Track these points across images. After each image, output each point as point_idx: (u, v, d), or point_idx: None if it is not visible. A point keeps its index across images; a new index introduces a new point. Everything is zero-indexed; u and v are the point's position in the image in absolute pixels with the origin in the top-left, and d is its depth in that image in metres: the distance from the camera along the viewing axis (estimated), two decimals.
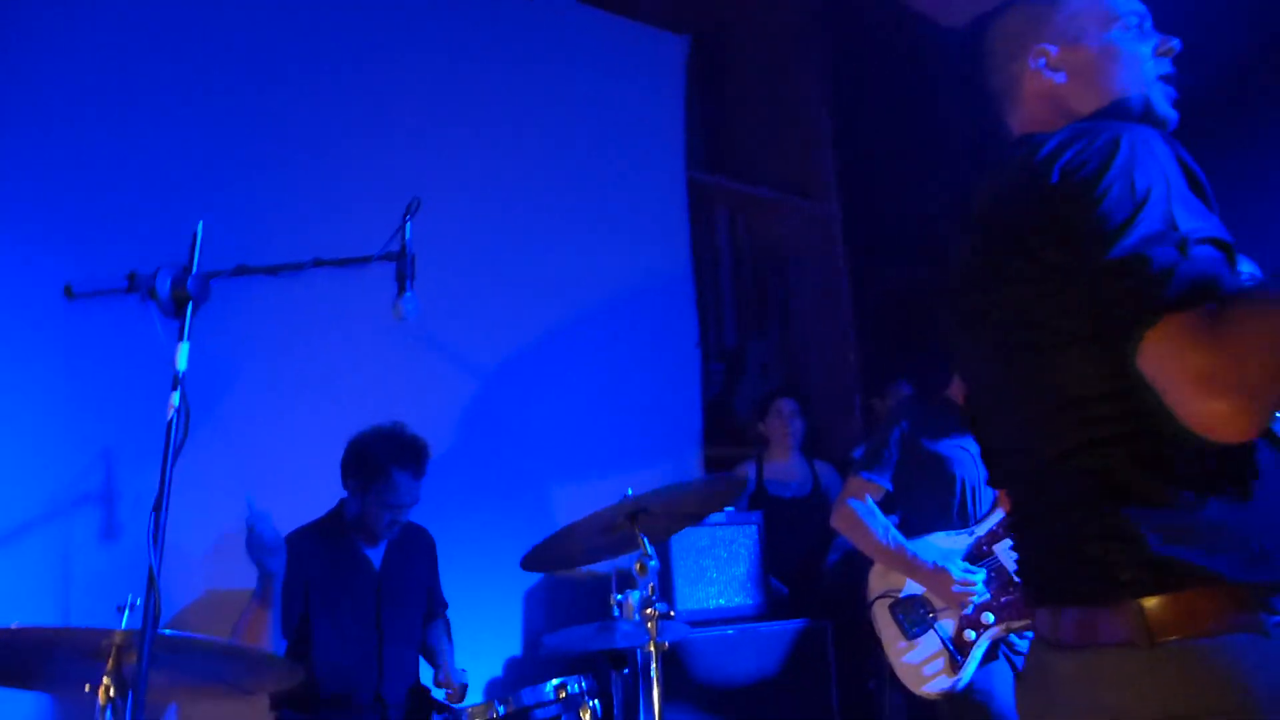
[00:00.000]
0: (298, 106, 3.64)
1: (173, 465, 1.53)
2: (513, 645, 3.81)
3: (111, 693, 1.74)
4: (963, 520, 2.76)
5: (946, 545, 2.71)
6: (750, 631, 3.61)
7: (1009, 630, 2.58)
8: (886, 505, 2.84)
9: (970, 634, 2.60)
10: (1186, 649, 1.08)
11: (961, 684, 2.57)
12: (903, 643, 2.69)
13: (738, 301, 5.30)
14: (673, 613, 2.48)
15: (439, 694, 2.92)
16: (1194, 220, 1.09)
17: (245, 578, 2.62)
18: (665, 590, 3.60)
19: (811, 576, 4.07)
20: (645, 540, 2.32)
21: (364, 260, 1.93)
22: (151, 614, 1.46)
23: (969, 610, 2.62)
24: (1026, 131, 1.40)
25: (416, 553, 3.03)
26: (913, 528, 2.78)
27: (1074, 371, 1.17)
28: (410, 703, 2.86)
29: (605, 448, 4.11)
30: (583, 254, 4.29)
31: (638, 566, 2.28)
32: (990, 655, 2.59)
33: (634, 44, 4.77)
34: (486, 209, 4.01)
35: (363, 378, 3.51)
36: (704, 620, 3.59)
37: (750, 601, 3.76)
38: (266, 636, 2.54)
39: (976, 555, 2.69)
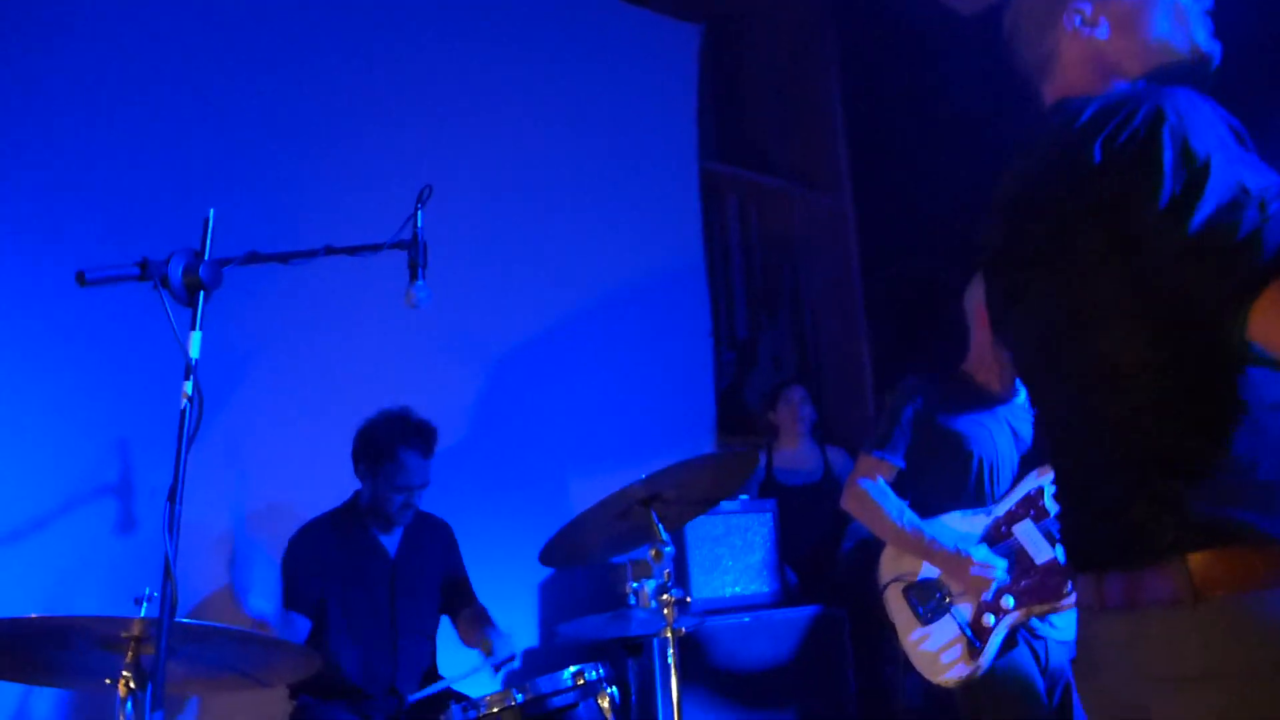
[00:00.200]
0: (309, 95, 3.64)
1: (187, 454, 1.53)
2: (529, 636, 3.81)
3: (131, 685, 1.74)
4: (979, 500, 2.62)
5: (963, 526, 2.59)
6: (766, 619, 3.60)
7: (1030, 615, 2.48)
8: (898, 486, 2.70)
9: (989, 619, 2.48)
10: (1232, 604, 1.08)
11: (981, 672, 2.47)
12: (918, 629, 2.57)
13: (749, 291, 5.28)
14: (689, 599, 2.47)
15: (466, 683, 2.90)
16: (1261, 178, 1.08)
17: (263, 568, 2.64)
18: (680, 579, 3.59)
19: (825, 563, 4.05)
20: (660, 526, 2.31)
21: (375, 248, 1.92)
22: (169, 604, 1.46)
23: (988, 595, 2.50)
24: (1067, 96, 1.36)
25: (433, 543, 3.03)
26: (927, 508, 2.63)
27: (1118, 344, 1.18)
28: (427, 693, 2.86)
29: (619, 438, 4.10)
30: (595, 243, 4.28)
31: (653, 553, 2.28)
32: (1010, 641, 2.48)
33: (647, 33, 4.75)
34: (498, 198, 4.01)
35: (375, 366, 3.51)
36: (720, 609, 3.59)
37: (766, 589, 3.75)
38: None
39: (995, 536, 2.57)
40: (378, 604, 2.85)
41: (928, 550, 2.55)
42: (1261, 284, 1.02)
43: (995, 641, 2.47)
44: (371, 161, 3.65)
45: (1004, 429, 2.66)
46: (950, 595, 2.55)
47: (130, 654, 1.76)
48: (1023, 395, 2.66)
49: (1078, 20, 1.37)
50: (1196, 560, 1.10)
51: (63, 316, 2.92)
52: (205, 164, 3.31)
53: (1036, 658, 2.49)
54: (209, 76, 3.42)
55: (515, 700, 2.46)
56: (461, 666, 2.92)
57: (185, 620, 1.69)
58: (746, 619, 3.57)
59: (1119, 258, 1.14)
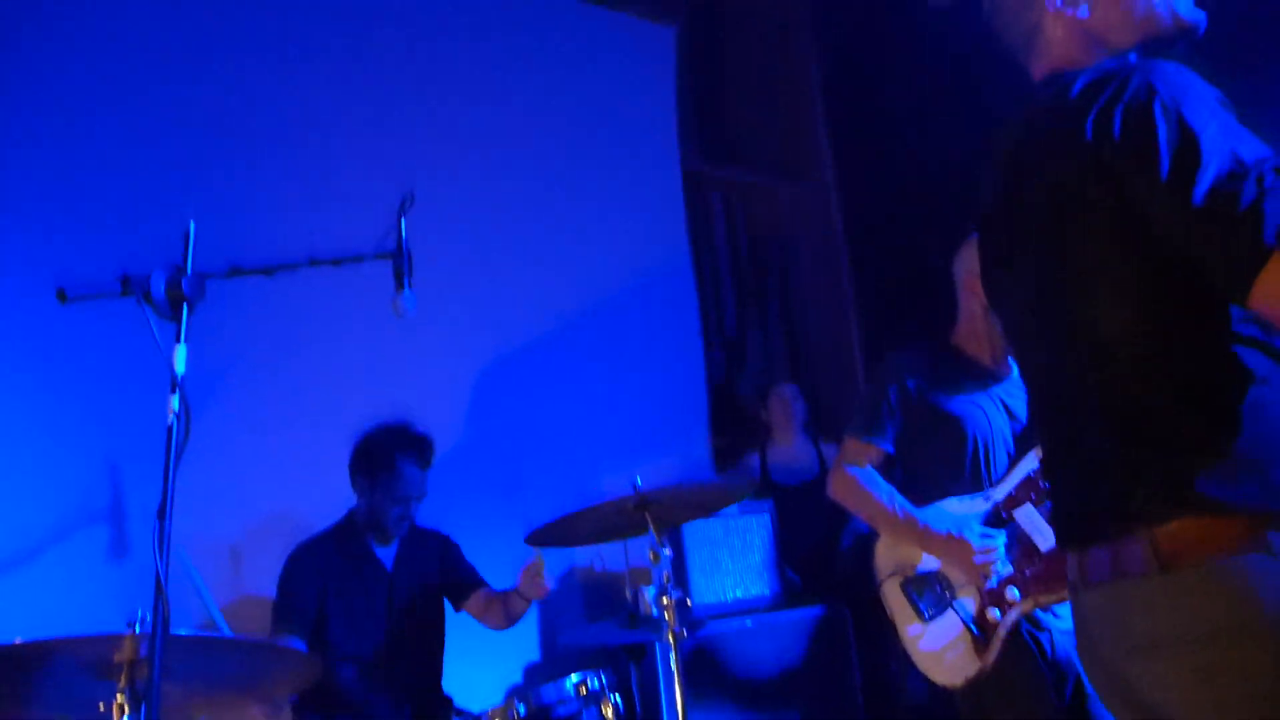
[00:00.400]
0: (288, 104, 3.63)
1: (175, 471, 1.51)
2: (530, 648, 3.78)
3: (126, 710, 1.70)
4: (976, 483, 2.42)
5: (961, 512, 2.38)
6: (769, 621, 3.59)
7: (1036, 605, 2.29)
8: (887, 472, 2.50)
9: (995, 613, 2.31)
10: (1199, 572, 1.11)
11: (987, 669, 2.28)
12: (918, 626, 2.38)
13: (737, 288, 5.28)
14: (689, 601, 2.45)
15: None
16: (1254, 149, 1.10)
17: (258, 584, 2.61)
18: (681, 584, 3.57)
19: (826, 560, 4.04)
20: (656, 530, 2.29)
21: (359, 259, 1.90)
22: (161, 621, 1.43)
23: (992, 584, 2.32)
24: (1057, 69, 1.36)
25: (429, 556, 3.01)
26: (922, 495, 2.43)
27: (1104, 312, 1.19)
28: (429, 708, 2.84)
29: (614, 442, 4.09)
30: (581, 248, 4.27)
31: (651, 555, 2.25)
32: (1015, 634, 2.30)
33: (623, 37, 4.77)
34: (482, 205, 4.00)
35: (365, 375, 3.50)
36: (722, 612, 3.56)
37: (767, 591, 3.73)
38: None
39: (995, 523, 2.38)
40: (376, 617, 2.83)
41: (923, 537, 2.37)
42: (1265, 256, 1.04)
43: (1002, 636, 2.30)
44: (352, 171, 3.64)
45: (997, 407, 2.49)
46: (951, 588, 2.38)
47: (124, 677, 1.72)
48: (1015, 371, 2.39)
49: (1059, 2, 1.37)
50: (1162, 531, 1.13)
51: (44, 333, 2.89)
52: (185, 176, 3.29)
53: (1041, 650, 2.32)
54: (187, 89, 3.40)
55: (518, 713, 2.44)
56: (470, 685, 2.89)
57: (179, 631, 1.65)
58: (749, 622, 3.55)
59: (1116, 230, 1.16)
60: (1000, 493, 2.41)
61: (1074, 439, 1.27)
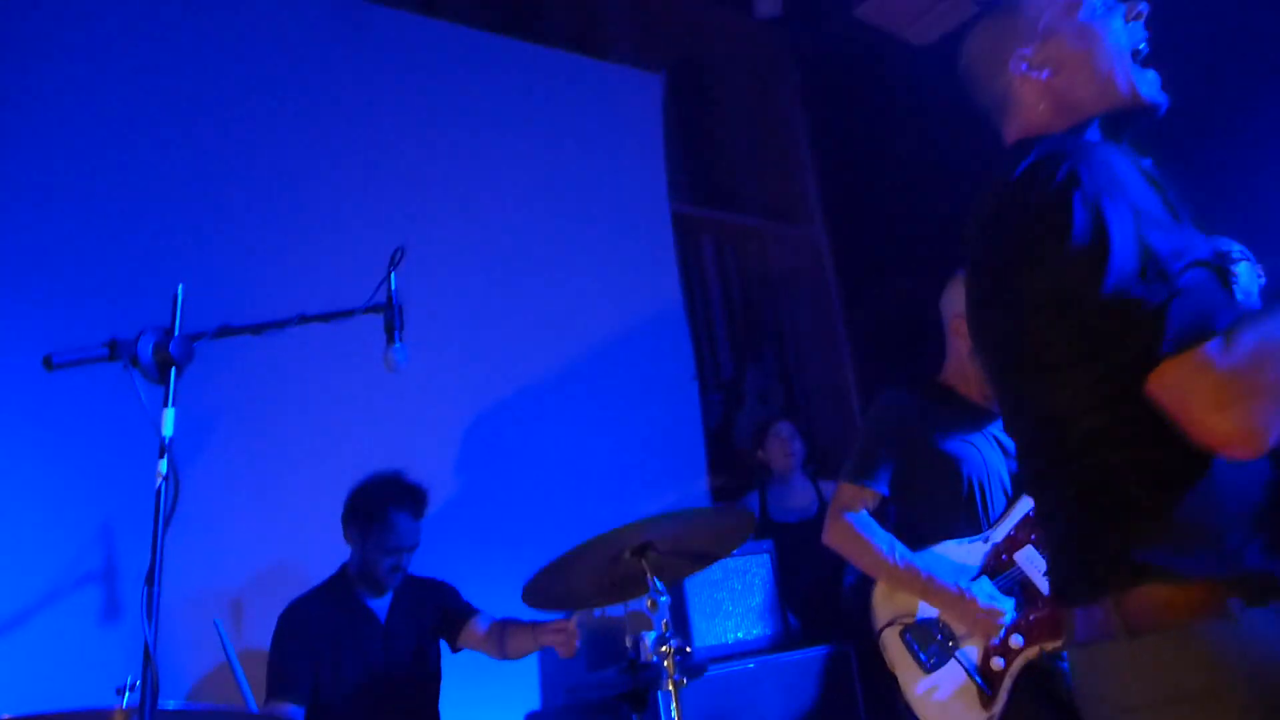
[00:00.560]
0: (276, 161, 3.65)
1: (164, 535, 1.49)
2: (531, 698, 3.73)
3: None
4: (973, 526, 2.35)
5: (959, 556, 2.33)
6: (771, 663, 3.54)
7: (1041, 652, 2.21)
8: (881, 514, 2.45)
9: (999, 661, 2.22)
10: (1160, 639, 1.14)
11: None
12: (922, 680, 2.29)
13: (731, 331, 5.29)
14: (689, 648, 2.41)
15: None
16: (1173, 243, 1.14)
17: (259, 639, 2.57)
18: (681, 627, 3.53)
19: (828, 599, 4.00)
20: (654, 578, 2.26)
21: (349, 314, 1.91)
22: (150, 690, 1.41)
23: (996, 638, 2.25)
24: (1026, 136, 1.40)
25: (424, 604, 2.97)
26: (918, 538, 2.38)
27: (1052, 391, 1.23)
28: None
29: (611, 489, 4.07)
30: (574, 296, 4.28)
31: (649, 603, 2.23)
32: (1019, 682, 2.20)
33: (610, 85, 4.83)
34: (473, 256, 4.01)
35: (358, 429, 3.49)
36: (724, 655, 3.52)
37: (769, 632, 3.69)
38: None
39: (996, 566, 2.32)
40: (372, 669, 2.79)
41: (925, 589, 2.30)
42: (1157, 361, 1.09)
43: (1008, 687, 2.21)
44: (342, 226, 3.65)
45: (992, 446, 2.43)
46: (954, 637, 2.30)
47: None
48: None
49: (1024, 66, 1.40)
50: (1126, 598, 1.16)
51: (31, 401, 2.88)
52: (173, 238, 3.30)
53: (1061, 676, 2.21)
54: (174, 151, 3.42)
55: None
56: None
57: (169, 704, 1.63)
58: (751, 664, 3.50)
59: (1053, 310, 1.19)
60: (999, 534, 2.35)
61: (1043, 502, 1.31)
